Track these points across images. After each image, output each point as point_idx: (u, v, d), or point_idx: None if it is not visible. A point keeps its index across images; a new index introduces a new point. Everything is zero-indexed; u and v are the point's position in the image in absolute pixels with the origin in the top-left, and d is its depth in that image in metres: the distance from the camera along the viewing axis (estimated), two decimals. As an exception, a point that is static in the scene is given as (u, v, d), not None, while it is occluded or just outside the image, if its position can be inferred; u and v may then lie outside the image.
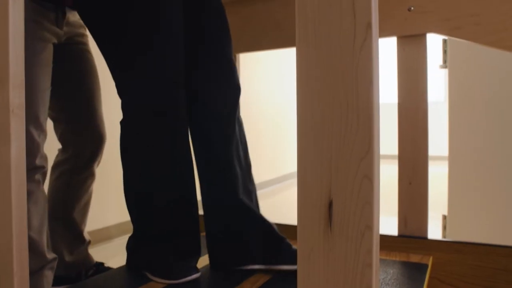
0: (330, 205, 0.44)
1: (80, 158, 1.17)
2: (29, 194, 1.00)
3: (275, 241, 0.95)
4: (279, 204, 3.20)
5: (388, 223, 2.56)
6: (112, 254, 1.90)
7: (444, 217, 1.62)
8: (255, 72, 3.61)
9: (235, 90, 1.01)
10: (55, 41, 1.07)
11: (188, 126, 0.99)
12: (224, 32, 1.02)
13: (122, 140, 0.96)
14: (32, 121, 0.99)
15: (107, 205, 2.06)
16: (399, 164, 1.14)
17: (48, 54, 1.03)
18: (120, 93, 0.94)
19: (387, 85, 7.07)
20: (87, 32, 1.21)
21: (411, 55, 1.13)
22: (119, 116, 0.97)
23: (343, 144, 0.42)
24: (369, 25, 0.42)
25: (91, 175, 1.21)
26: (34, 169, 1.00)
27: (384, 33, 1.14)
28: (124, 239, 2.07)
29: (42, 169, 1.02)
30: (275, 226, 0.98)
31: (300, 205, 0.45)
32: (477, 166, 1.55)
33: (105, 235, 2.04)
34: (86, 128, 1.17)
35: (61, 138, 1.18)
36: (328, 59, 0.43)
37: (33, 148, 0.99)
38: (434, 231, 1.91)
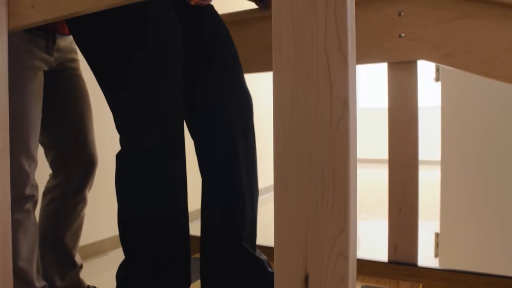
0: (306, 278, 0.44)
1: (70, 184, 1.17)
2: (19, 223, 1.00)
3: (265, 276, 0.96)
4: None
5: (379, 227, 2.57)
6: (106, 269, 1.90)
7: (437, 235, 1.62)
8: (254, 75, 3.60)
9: (247, 112, 0.99)
10: (46, 68, 1.07)
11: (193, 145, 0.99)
12: (229, 50, 1.01)
13: (117, 174, 0.95)
14: (22, 150, 0.98)
15: (101, 218, 2.06)
16: (389, 191, 1.14)
17: (38, 82, 1.03)
18: (117, 128, 0.93)
19: (380, 90, 7.09)
20: (78, 57, 1.20)
21: (402, 81, 1.13)
22: (113, 125, 0.94)
23: (318, 220, 0.42)
24: (346, 102, 0.41)
25: (82, 201, 1.20)
26: (23, 198, 1.00)
27: (374, 59, 1.13)
28: (118, 252, 2.07)
29: (32, 198, 1.02)
30: (266, 261, 0.98)
31: (277, 275, 0.45)
32: (470, 183, 1.55)
33: (99, 248, 2.04)
34: (76, 154, 1.17)
35: (51, 164, 1.18)
36: (305, 135, 0.43)
37: (22, 178, 0.99)
38: (426, 245, 1.92)
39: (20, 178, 0.98)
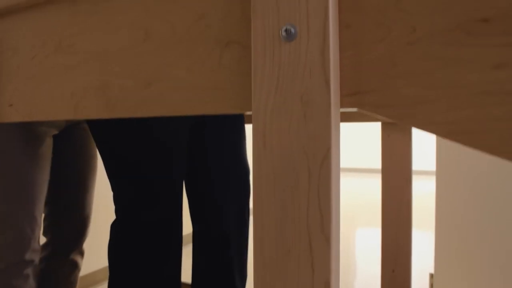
0: None
1: (57, 244, 1.15)
2: None
3: None
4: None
5: (372, 233, 2.57)
6: (99, 301, 1.89)
7: (431, 276, 1.62)
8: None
9: (245, 192, 0.99)
10: (55, 132, 1.05)
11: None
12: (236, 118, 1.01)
13: (111, 244, 0.94)
14: (26, 215, 0.97)
15: (93, 248, 2.04)
16: (382, 253, 1.12)
17: (46, 148, 1.01)
18: (115, 199, 0.93)
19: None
20: None
21: (396, 141, 1.11)
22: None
23: None
24: (327, 284, 0.39)
25: (69, 264, 1.17)
26: (22, 263, 0.98)
27: (368, 118, 1.11)
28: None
29: (31, 263, 1.00)
30: None
31: None
32: (463, 227, 1.54)
33: (92, 279, 2.03)
34: (68, 215, 1.14)
35: (44, 221, 1.16)
36: (284, 316, 0.41)
37: (24, 243, 0.97)
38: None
39: (21, 243, 0.97)
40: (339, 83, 0.42)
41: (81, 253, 1.20)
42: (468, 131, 0.38)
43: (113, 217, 0.97)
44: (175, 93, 0.51)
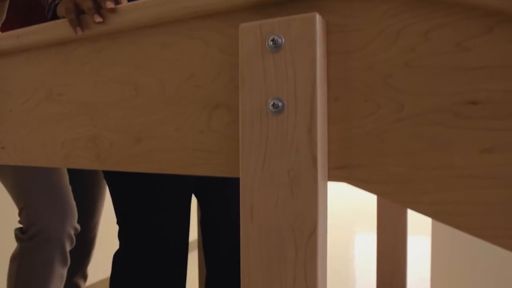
0: None
1: None
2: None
3: None
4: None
5: (369, 239, 2.57)
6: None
7: (428, 294, 1.61)
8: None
9: None
10: None
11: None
12: None
13: (114, 276, 0.93)
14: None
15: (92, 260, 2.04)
16: (378, 272, 1.12)
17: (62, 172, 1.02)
18: (119, 232, 0.93)
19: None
20: None
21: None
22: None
23: None
24: None
25: (71, 286, 1.18)
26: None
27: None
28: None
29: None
30: None
31: None
32: (458, 245, 1.54)
33: (90, 292, 2.03)
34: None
35: None
36: None
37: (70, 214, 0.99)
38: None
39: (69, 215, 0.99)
40: (327, 156, 0.42)
41: (84, 277, 1.19)
42: (455, 213, 0.38)
43: (111, 229, 0.96)
44: (164, 152, 0.51)
